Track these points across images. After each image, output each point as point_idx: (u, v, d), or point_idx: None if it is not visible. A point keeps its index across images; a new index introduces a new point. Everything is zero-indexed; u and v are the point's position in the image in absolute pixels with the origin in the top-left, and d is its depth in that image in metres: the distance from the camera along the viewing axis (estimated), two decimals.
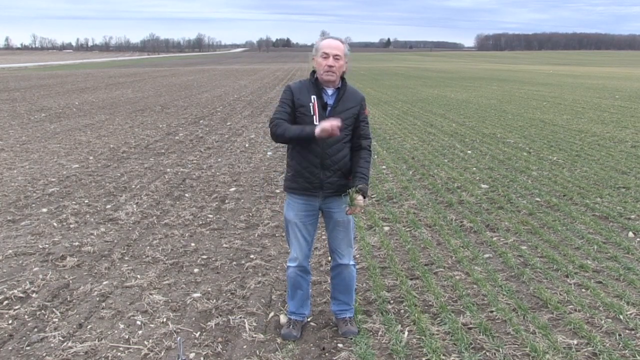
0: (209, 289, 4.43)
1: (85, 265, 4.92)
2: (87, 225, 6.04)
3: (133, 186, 7.80)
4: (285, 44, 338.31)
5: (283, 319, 3.87)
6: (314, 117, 3.41)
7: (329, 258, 5.00)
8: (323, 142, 3.40)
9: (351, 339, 3.63)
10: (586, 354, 3.43)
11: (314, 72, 3.49)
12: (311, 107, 3.42)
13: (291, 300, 3.76)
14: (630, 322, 3.80)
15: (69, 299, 4.25)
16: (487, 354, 3.44)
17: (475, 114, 16.57)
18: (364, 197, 3.47)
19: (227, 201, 7.04)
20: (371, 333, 3.71)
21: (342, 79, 3.51)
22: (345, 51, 3.43)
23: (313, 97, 3.44)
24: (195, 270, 4.84)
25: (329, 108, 3.45)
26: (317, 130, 3.26)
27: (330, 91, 3.48)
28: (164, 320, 3.90)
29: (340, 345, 3.59)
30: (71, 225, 6.03)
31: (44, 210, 6.64)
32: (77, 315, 3.99)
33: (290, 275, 3.69)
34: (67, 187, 7.77)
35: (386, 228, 5.91)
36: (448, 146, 10.98)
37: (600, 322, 3.80)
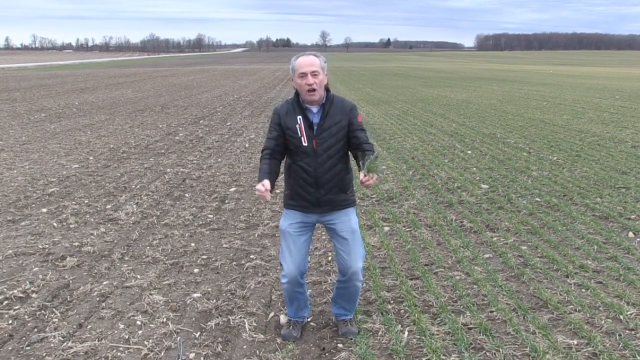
0: (209, 289, 4.43)
1: (85, 265, 4.93)
2: (87, 225, 6.04)
3: (133, 186, 7.80)
4: (285, 44, 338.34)
5: (283, 319, 3.87)
6: (302, 137, 3.39)
7: (329, 258, 5.02)
8: (314, 159, 3.39)
9: (351, 339, 3.63)
10: (586, 354, 3.43)
11: (297, 92, 3.44)
12: (298, 128, 3.40)
13: (289, 307, 3.76)
14: (630, 322, 3.80)
15: (69, 299, 4.26)
16: (487, 354, 3.44)
17: (475, 114, 16.57)
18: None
19: (227, 201, 7.04)
20: (371, 333, 3.71)
21: (327, 90, 3.44)
22: (322, 64, 3.36)
23: (299, 117, 3.41)
24: (195, 270, 4.84)
25: (315, 127, 3.41)
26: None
27: (315, 109, 3.43)
28: (164, 320, 3.90)
29: (340, 345, 3.59)
30: (71, 226, 6.03)
31: (44, 210, 6.64)
32: (77, 315, 3.99)
33: (286, 289, 3.65)
34: (67, 187, 7.77)
35: (386, 228, 5.91)
36: (448, 146, 10.98)
37: (600, 322, 3.80)
